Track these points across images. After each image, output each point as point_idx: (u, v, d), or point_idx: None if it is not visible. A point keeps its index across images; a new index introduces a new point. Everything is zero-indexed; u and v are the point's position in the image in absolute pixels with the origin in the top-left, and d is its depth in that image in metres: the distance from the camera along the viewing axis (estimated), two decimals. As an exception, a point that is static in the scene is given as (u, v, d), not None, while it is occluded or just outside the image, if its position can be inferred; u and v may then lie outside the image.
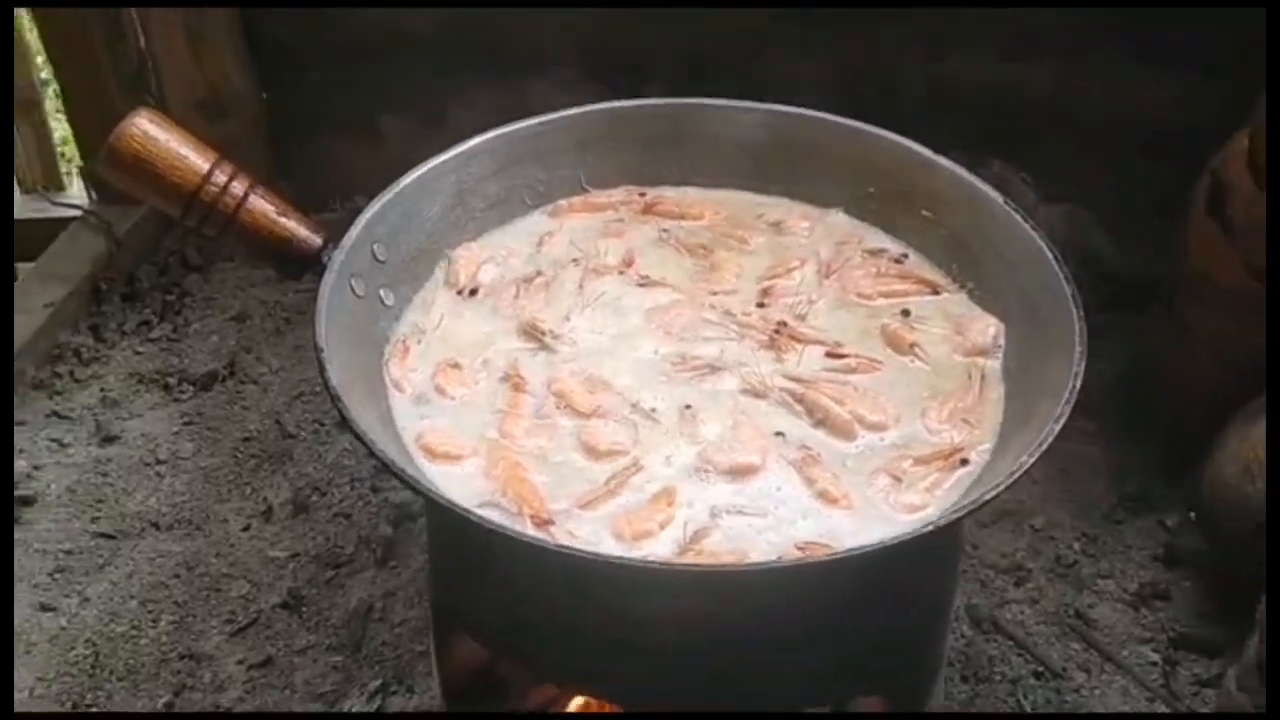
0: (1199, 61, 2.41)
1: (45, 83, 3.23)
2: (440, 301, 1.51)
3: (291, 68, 2.92)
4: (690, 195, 1.67)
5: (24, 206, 3.09)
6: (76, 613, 2.09)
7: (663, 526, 1.22)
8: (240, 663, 2.00)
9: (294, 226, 1.40)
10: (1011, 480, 1.16)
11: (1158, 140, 2.46)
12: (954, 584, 1.64)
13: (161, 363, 2.63)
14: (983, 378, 1.40)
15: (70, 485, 2.33)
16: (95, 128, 2.82)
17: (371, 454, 1.17)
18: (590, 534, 1.22)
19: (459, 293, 1.52)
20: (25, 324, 2.60)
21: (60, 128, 3.29)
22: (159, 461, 2.39)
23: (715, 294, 1.52)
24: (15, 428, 2.43)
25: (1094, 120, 2.54)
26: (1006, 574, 2.14)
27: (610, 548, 1.20)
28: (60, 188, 3.18)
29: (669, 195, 1.67)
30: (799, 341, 1.44)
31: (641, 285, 1.54)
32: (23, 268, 2.85)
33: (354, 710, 1.90)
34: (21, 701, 1.94)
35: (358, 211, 1.43)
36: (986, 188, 1.49)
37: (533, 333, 1.45)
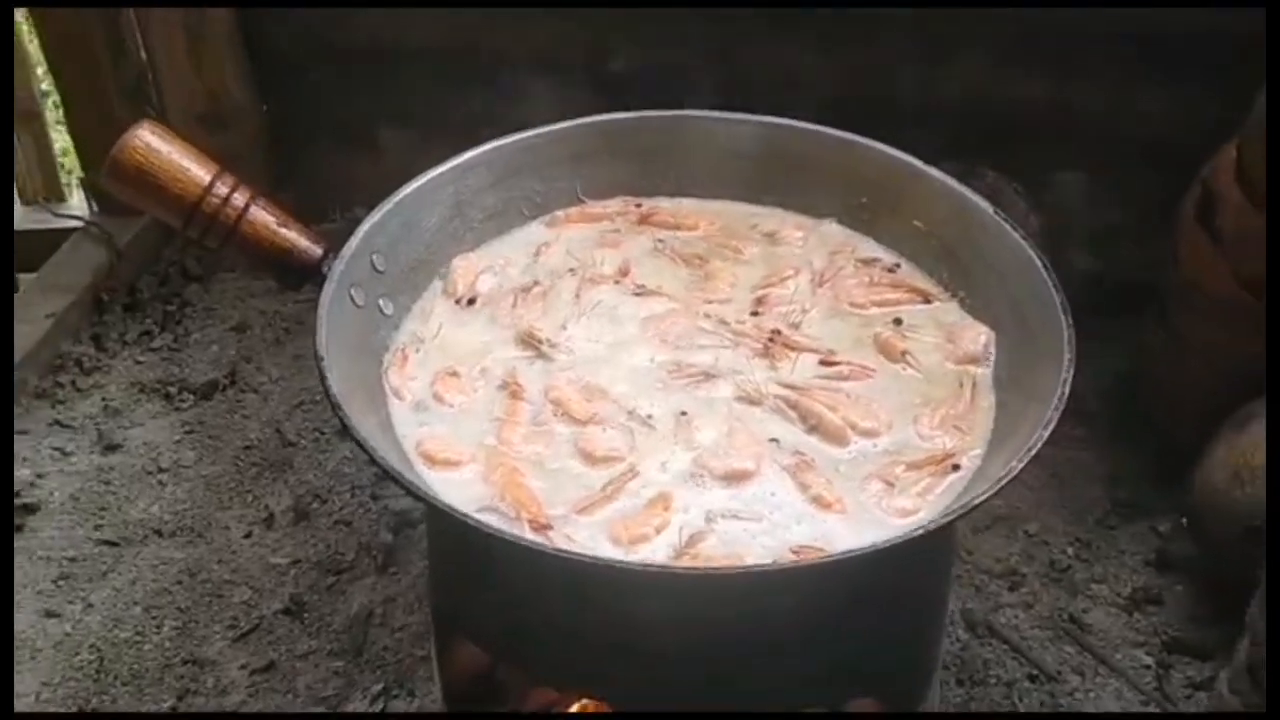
0: (1193, 72, 2.43)
1: (45, 94, 3.25)
2: (439, 311, 1.52)
3: (291, 80, 2.94)
4: (685, 206, 1.69)
5: (25, 218, 3.10)
6: (81, 619, 2.10)
7: (659, 531, 1.24)
8: (243, 667, 2.01)
9: (294, 237, 1.42)
10: (1001, 485, 1.17)
11: (1150, 150, 2.48)
12: (947, 587, 1.66)
13: (163, 372, 2.65)
14: (974, 385, 1.42)
15: (73, 493, 2.35)
16: (96, 139, 2.84)
17: (372, 461, 1.19)
18: (587, 538, 1.23)
19: (457, 302, 1.53)
20: (28, 334, 2.62)
21: (60, 139, 3.31)
22: (161, 470, 2.41)
23: (710, 303, 1.54)
24: (19, 437, 2.45)
25: (1087, 130, 2.55)
26: (1001, 578, 2.16)
27: (607, 552, 1.22)
28: (61, 199, 3.19)
29: (664, 206, 1.69)
30: (793, 349, 1.46)
31: (637, 294, 1.55)
32: (24, 278, 2.87)
33: (356, 713, 1.92)
34: (27, 706, 1.95)
35: (357, 222, 1.44)
36: (977, 198, 1.51)
37: (530, 341, 1.47)
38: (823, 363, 1.45)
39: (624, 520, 1.25)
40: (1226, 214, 2.02)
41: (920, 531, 1.17)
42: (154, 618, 2.11)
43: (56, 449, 2.45)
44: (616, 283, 1.57)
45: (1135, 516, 2.26)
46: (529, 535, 1.21)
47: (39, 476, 2.38)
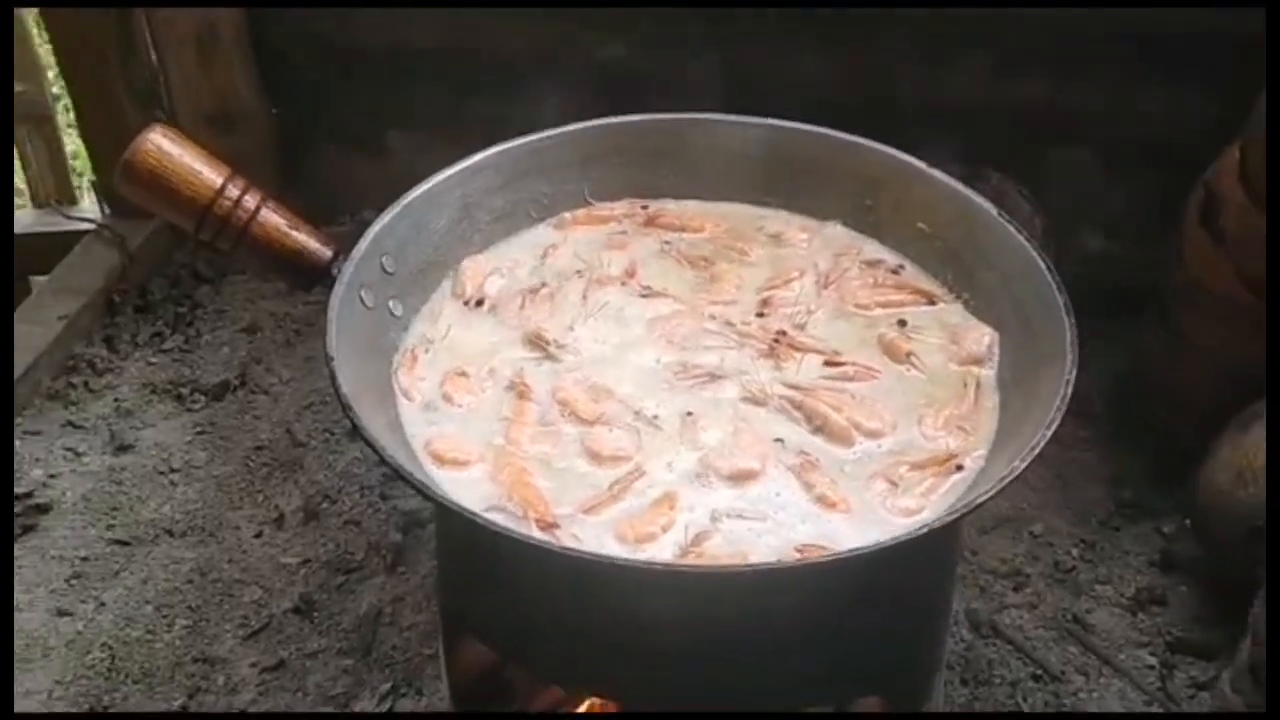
0: (1194, 73, 2.44)
1: (56, 97, 3.27)
2: (447, 312, 1.53)
3: (300, 83, 2.96)
4: (691, 208, 1.70)
5: (37, 221, 3.13)
6: (93, 618, 2.12)
7: (664, 530, 1.25)
8: (253, 666, 2.03)
9: (305, 239, 1.42)
10: (1004, 484, 1.18)
11: (1154, 152, 2.49)
12: (951, 586, 1.66)
13: (174, 373, 2.67)
14: (978, 386, 1.42)
15: (85, 493, 2.37)
16: (108, 142, 2.86)
17: (382, 460, 1.19)
18: (594, 537, 1.24)
19: (466, 303, 1.54)
20: (40, 336, 2.64)
21: (71, 142, 3.33)
22: (172, 470, 2.43)
23: (716, 304, 1.55)
24: (32, 438, 2.48)
25: (1091, 132, 2.56)
26: (1006, 579, 2.17)
27: (613, 550, 1.22)
28: (73, 202, 3.20)
29: (671, 208, 1.69)
30: (798, 350, 1.47)
31: (644, 296, 1.56)
32: (37, 281, 2.90)
33: (365, 711, 1.93)
34: (40, 704, 1.97)
35: (366, 224, 1.45)
36: (980, 200, 1.51)
37: (538, 342, 1.48)
38: (827, 363, 1.46)
39: (630, 519, 1.26)
40: (1229, 215, 2.03)
41: (924, 530, 1.18)
42: (165, 616, 2.13)
43: (69, 449, 2.47)
44: (623, 284, 1.58)
45: (1139, 517, 2.27)
46: (536, 534, 1.22)
47: (51, 477, 2.40)
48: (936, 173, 1.57)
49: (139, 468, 2.43)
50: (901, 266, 1.60)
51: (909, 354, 1.47)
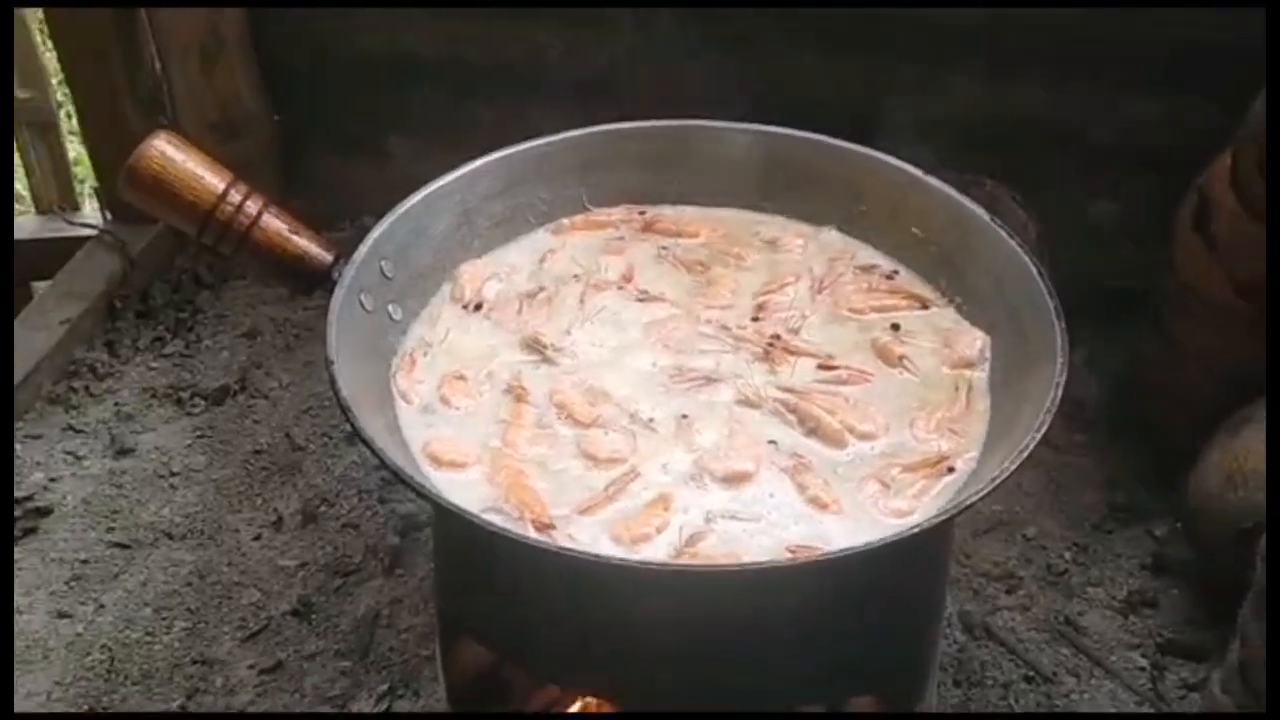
0: (1188, 81, 2.45)
1: (59, 104, 3.28)
2: (446, 316, 1.54)
3: (302, 89, 2.97)
4: (688, 214, 1.71)
5: (40, 226, 3.13)
6: (92, 620, 2.13)
7: (659, 531, 1.26)
8: (251, 667, 2.04)
9: (305, 244, 1.44)
10: (994, 485, 1.20)
11: (1145, 157, 2.50)
12: (943, 587, 1.68)
13: (174, 378, 2.68)
14: (969, 389, 1.44)
15: (86, 497, 2.38)
16: (111, 149, 2.86)
17: (380, 462, 1.21)
18: (589, 538, 1.26)
19: (464, 307, 1.55)
20: (42, 340, 2.65)
21: (74, 148, 3.34)
22: (172, 473, 2.44)
23: (712, 308, 1.56)
24: (33, 441, 2.49)
25: (1085, 138, 2.58)
26: (999, 582, 2.18)
27: (609, 551, 1.24)
28: (75, 208, 3.21)
29: (668, 214, 1.71)
30: (792, 354, 1.48)
31: (640, 300, 1.58)
32: (39, 286, 2.90)
33: (362, 712, 1.95)
34: (39, 705, 1.98)
35: (366, 230, 1.47)
36: (973, 206, 1.53)
37: (535, 346, 1.49)
38: (821, 367, 1.47)
39: (625, 520, 1.27)
40: (1221, 221, 2.05)
41: (914, 530, 1.19)
42: (164, 619, 2.14)
43: (69, 453, 2.48)
44: (620, 289, 1.59)
45: (1131, 521, 2.28)
46: (532, 534, 1.24)
47: (52, 480, 2.41)
48: (930, 179, 1.58)
49: (139, 471, 2.44)
50: (895, 272, 1.61)
51: (902, 357, 1.48)
